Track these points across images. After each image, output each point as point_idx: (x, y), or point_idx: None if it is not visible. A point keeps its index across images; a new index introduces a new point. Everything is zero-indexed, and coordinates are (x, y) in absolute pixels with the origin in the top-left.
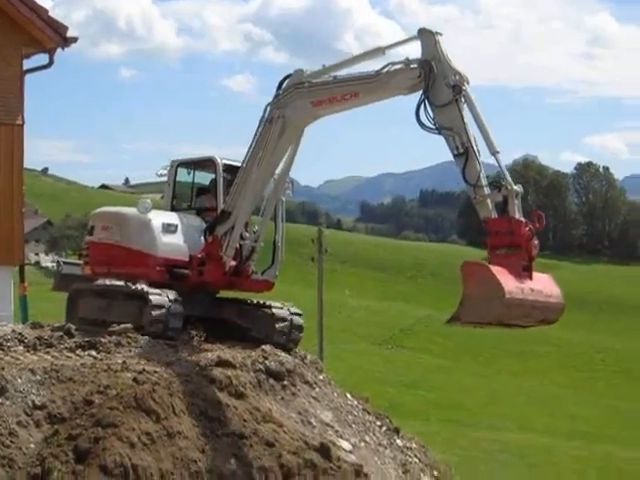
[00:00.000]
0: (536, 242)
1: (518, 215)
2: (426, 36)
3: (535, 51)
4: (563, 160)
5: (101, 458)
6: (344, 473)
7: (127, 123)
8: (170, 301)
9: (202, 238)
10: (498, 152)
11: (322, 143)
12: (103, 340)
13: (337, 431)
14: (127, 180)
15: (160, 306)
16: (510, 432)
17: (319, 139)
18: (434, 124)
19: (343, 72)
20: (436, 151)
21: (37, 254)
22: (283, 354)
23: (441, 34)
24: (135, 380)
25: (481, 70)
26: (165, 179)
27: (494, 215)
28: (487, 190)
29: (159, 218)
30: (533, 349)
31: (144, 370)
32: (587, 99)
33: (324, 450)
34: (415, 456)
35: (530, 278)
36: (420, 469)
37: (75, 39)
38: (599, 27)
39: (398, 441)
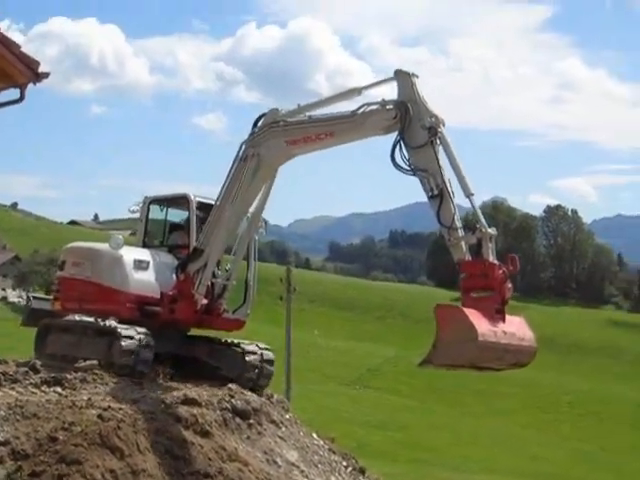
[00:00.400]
0: (509, 285)
1: (492, 258)
2: (402, 77)
3: (505, 95)
4: (532, 202)
5: None
6: None
7: (97, 159)
8: (139, 334)
9: (174, 275)
10: (472, 194)
11: (292, 182)
12: (69, 376)
13: (303, 471)
14: (96, 216)
15: (130, 337)
16: (474, 474)
17: (289, 178)
18: (409, 165)
19: (318, 112)
20: (405, 192)
21: (4, 289)
22: (249, 393)
23: (417, 76)
24: (100, 417)
25: (452, 112)
26: (137, 215)
27: (468, 257)
28: (461, 232)
29: (131, 254)
30: (499, 389)
31: (109, 407)
32: (556, 142)
33: None
34: None
35: (503, 321)
36: None
37: (47, 74)
38: (568, 72)
39: None
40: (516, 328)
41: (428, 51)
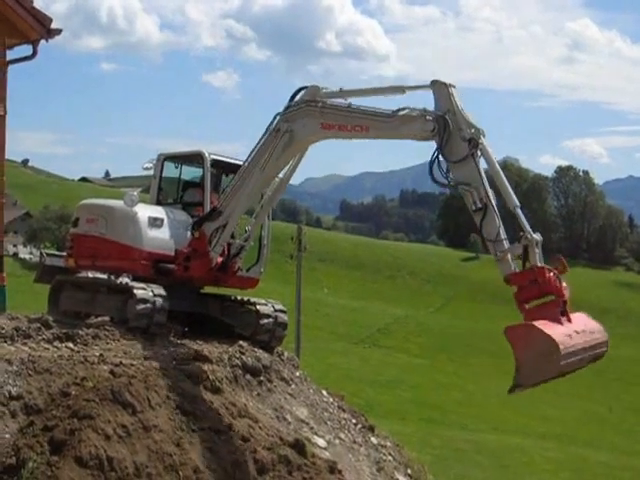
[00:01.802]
0: (564, 284)
1: (540, 263)
2: (439, 88)
3: (516, 55)
4: (543, 163)
5: (76, 450)
6: (318, 470)
7: (108, 117)
8: (155, 296)
9: (188, 233)
10: (518, 206)
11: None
12: (81, 332)
13: (312, 428)
14: (107, 173)
15: (145, 300)
16: (484, 433)
17: None
18: (449, 180)
19: (357, 101)
20: (417, 152)
21: (15, 246)
22: (260, 350)
23: (454, 86)
24: (112, 373)
25: (462, 72)
26: (151, 172)
27: (515, 269)
28: (507, 244)
29: (146, 212)
30: (509, 349)
31: (121, 363)
32: (568, 103)
33: (299, 446)
34: (389, 454)
35: (570, 321)
36: (394, 467)
37: (59, 31)
38: (580, 32)
39: (373, 439)
40: (584, 324)
41: (438, 10)
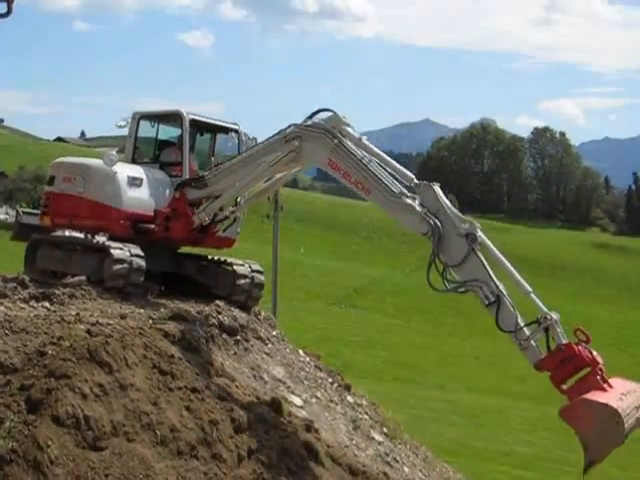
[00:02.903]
0: (595, 352)
1: (564, 340)
2: (425, 191)
3: (494, 15)
4: (520, 124)
5: (53, 409)
6: (294, 428)
7: (84, 76)
8: (132, 255)
9: (167, 192)
10: (531, 292)
11: (277, 93)
12: (57, 292)
13: (289, 387)
14: (83, 133)
15: (121, 260)
16: (459, 393)
17: (278, 96)
18: (449, 286)
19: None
20: (392, 112)
21: None
22: (236, 310)
23: (438, 183)
24: (88, 332)
25: (441, 33)
26: (124, 131)
27: (542, 354)
28: (527, 330)
29: (125, 171)
30: (485, 321)
31: (97, 322)
32: (545, 64)
33: (275, 405)
34: (365, 413)
35: (611, 386)
36: (370, 425)
37: None
38: None
39: (349, 398)
40: (623, 386)
41: None
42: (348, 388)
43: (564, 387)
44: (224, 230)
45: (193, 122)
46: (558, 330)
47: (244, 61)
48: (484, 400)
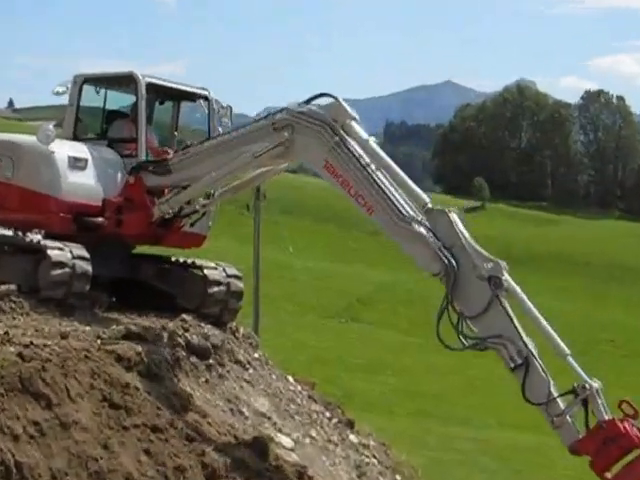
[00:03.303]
0: None
1: (606, 415)
2: (437, 217)
3: None
4: (565, 87)
5: None
6: (283, 476)
7: (15, 31)
8: (74, 258)
9: (119, 177)
10: (569, 354)
11: (262, 61)
12: None
13: (275, 423)
14: (11, 102)
15: (61, 264)
16: (490, 429)
17: (262, 58)
18: (466, 342)
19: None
20: (405, 73)
21: None
22: (208, 326)
23: (455, 209)
24: (20, 356)
25: None
26: (63, 99)
27: (579, 434)
28: (562, 403)
29: (64, 150)
30: (520, 323)
31: (31, 343)
32: (595, 10)
33: (259, 447)
34: (373, 456)
35: None
36: (379, 472)
37: None
38: None
39: (352, 437)
40: None
41: None
42: (351, 425)
43: (608, 475)
44: (192, 225)
45: (151, 87)
46: (599, 402)
47: (210, 15)
48: (521, 437)
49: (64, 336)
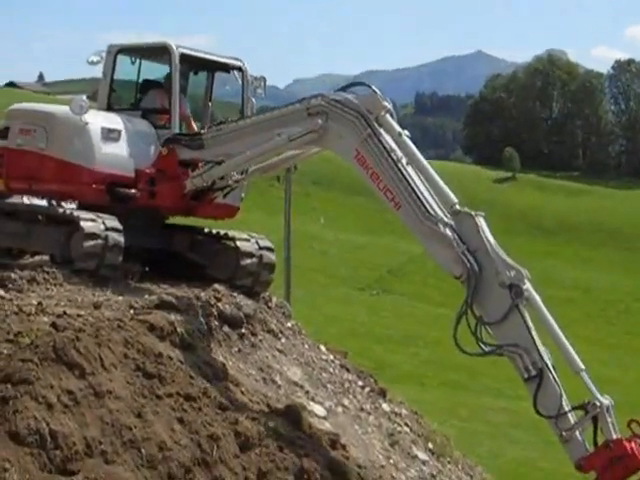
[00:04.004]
0: None
1: (615, 434)
2: (464, 219)
3: None
4: (597, 57)
5: (11, 423)
6: (316, 444)
7: (39, 9)
8: (107, 229)
9: (152, 149)
10: (583, 369)
11: (291, 34)
12: (13, 276)
13: (308, 392)
14: (41, 76)
15: (94, 236)
16: (522, 400)
17: (288, 29)
18: (485, 349)
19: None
20: (436, 44)
21: None
22: (241, 296)
23: (482, 214)
24: (54, 326)
25: None
26: (97, 69)
27: (588, 451)
28: (572, 418)
29: (98, 121)
30: (552, 293)
31: (65, 313)
32: None
33: (292, 415)
34: (405, 424)
35: None
36: (411, 440)
37: None
38: None
39: (384, 406)
40: None
41: None
42: (383, 394)
43: None
44: (224, 196)
45: (185, 57)
46: (609, 420)
47: None
48: None
49: (97, 306)
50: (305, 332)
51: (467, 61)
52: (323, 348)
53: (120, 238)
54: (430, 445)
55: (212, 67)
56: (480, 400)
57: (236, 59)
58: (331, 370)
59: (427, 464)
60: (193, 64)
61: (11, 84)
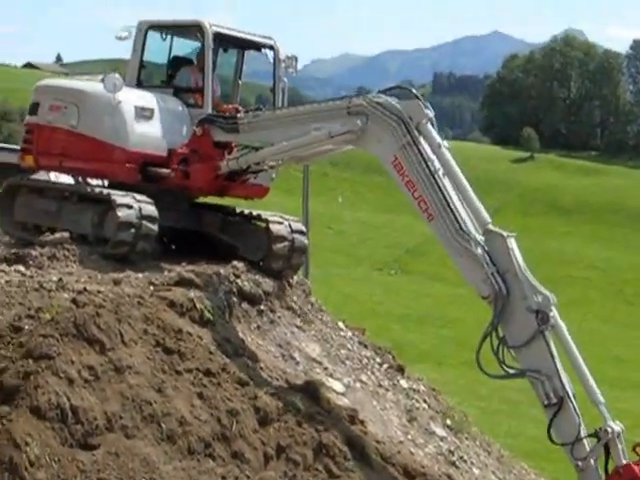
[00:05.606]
0: None
1: (624, 460)
2: (494, 239)
3: None
4: (614, 36)
5: (32, 398)
6: (335, 420)
7: None
8: (140, 202)
9: (185, 128)
10: (602, 403)
11: (310, 14)
12: (33, 252)
13: (326, 368)
14: (59, 57)
15: (129, 206)
16: None
17: (306, 9)
18: (508, 372)
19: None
20: (453, 24)
21: None
22: (260, 273)
23: (513, 235)
24: (74, 301)
25: None
26: (126, 44)
27: (600, 479)
28: (588, 445)
29: (131, 99)
30: (570, 272)
31: (85, 289)
32: None
33: (310, 391)
34: (424, 401)
35: None
36: (429, 417)
37: None
38: None
39: (402, 382)
40: None
41: None
42: (401, 370)
43: None
44: (255, 177)
45: (218, 36)
46: (619, 447)
47: None
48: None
49: (117, 282)
50: (324, 309)
51: (484, 41)
52: (341, 325)
53: (154, 227)
54: (448, 421)
55: (243, 45)
56: (499, 380)
57: (268, 37)
58: (349, 347)
59: (445, 440)
60: (224, 42)
61: (29, 65)
